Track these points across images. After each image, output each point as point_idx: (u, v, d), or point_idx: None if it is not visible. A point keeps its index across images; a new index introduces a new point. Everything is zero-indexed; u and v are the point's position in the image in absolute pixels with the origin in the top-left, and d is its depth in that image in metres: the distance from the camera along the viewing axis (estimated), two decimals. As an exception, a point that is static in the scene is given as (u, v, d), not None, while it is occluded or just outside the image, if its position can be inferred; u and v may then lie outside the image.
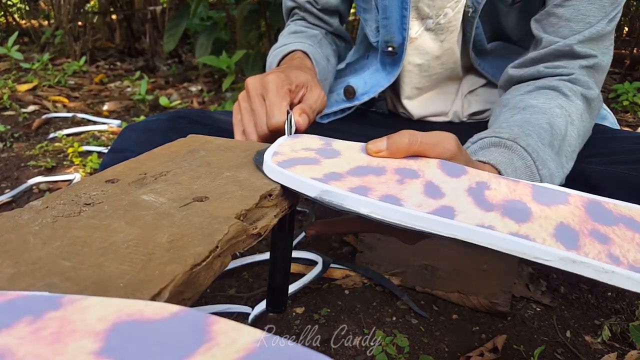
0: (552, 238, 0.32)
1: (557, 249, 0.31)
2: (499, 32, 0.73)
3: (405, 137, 0.40)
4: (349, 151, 0.43)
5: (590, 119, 0.60)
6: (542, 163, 0.48)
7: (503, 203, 0.36)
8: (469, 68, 0.77)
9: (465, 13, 0.68)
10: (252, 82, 0.55)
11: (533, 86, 0.60)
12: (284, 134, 0.48)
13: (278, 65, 0.72)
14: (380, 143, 0.41)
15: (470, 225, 0.32)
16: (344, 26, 0.86)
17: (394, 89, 0.81)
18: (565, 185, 0.50)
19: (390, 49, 0.73)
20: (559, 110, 0.56)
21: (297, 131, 0.50)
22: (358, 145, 0.44)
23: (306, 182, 0.36)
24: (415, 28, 0.71)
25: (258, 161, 0.42)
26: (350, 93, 0.79)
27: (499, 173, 0.45)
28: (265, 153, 0.41)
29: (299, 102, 0.56)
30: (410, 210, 0.33)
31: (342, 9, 0.82)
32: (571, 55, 0.60)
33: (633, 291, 0.29)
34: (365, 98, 0.78)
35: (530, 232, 0.33)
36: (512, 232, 0.32)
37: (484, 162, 0.46)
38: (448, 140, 0.40)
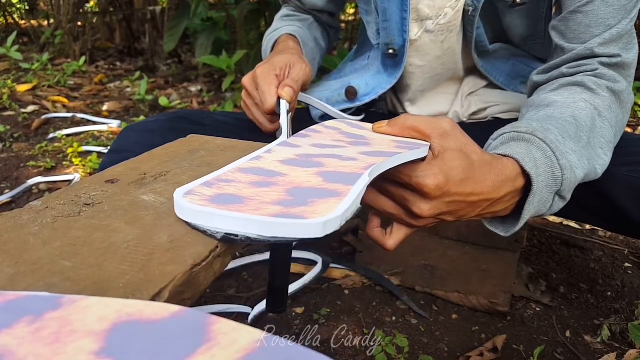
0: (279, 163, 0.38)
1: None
2: (500, 34, 0.73)
3: (402, 115, 0.50)
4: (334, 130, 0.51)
5: (622, 112, 0.60)
6: (561, 154, 0.49)
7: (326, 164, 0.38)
8: (471, 69, 0.77)
9: (465, 12, 0.68)
10: (246, 80, 0.67)
11: (557, 84, 0.60)
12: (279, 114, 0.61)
13: (272, 49, 0.81)
14: (383, 122, 0.51)
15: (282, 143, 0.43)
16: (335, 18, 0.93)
17: (395, 90, 0.81)
18: None
19: (391, 51, 0.73)
20: (583, 103, 0.56)
21: (288, 102, 0.63)
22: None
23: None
24: (415, 30, 0.71)
25: None
26: (351, 94, 0.79)
27: (520, 166, 0.47)
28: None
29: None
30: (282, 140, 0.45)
31: (330, 9, 0.87)
32: (593, 57, 0.59)
33: None
34: (367, 99, 0.78)
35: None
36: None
37: (505, 155, 0.48)
38: (443, 119, 0.48)
